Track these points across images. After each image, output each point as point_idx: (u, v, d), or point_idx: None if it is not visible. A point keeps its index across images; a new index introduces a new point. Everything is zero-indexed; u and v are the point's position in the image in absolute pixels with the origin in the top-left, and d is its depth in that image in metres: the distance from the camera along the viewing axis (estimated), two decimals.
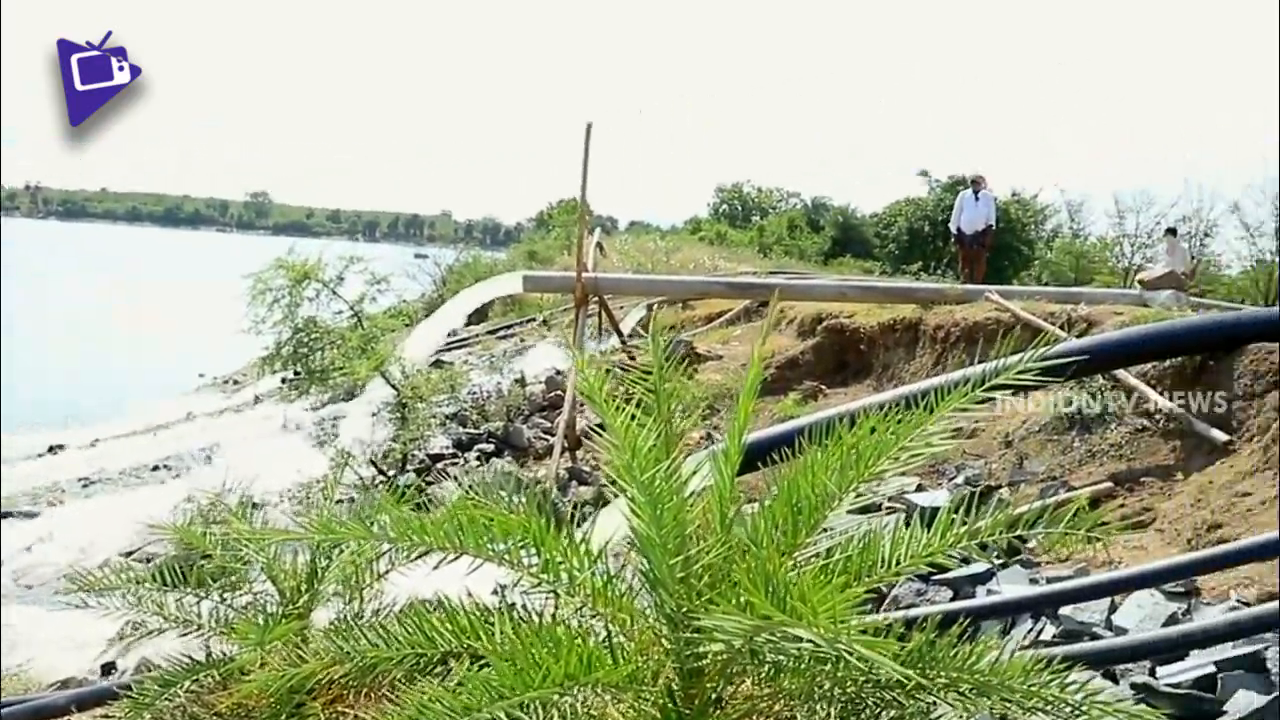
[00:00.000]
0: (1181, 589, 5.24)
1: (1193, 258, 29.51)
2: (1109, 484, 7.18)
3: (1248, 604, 4.89)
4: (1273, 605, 4.39)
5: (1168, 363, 7.75)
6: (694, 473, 2.58)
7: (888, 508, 7.69)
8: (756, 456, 3.51)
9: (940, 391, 2.50)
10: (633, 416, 2.53)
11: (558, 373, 14.53)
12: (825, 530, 2.54)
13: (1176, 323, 7.99)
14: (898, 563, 2.52)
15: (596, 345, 15.18)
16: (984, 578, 5.98)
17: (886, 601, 5.80)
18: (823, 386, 12.25)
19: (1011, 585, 5.72)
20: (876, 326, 12.26)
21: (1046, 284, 33.13)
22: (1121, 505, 6.92)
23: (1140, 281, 13.13)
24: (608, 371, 2.92)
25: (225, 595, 3.46)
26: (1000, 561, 6.16)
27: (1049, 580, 5.67)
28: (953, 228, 16.11)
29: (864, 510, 7.63)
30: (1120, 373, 7.86)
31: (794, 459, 2.61)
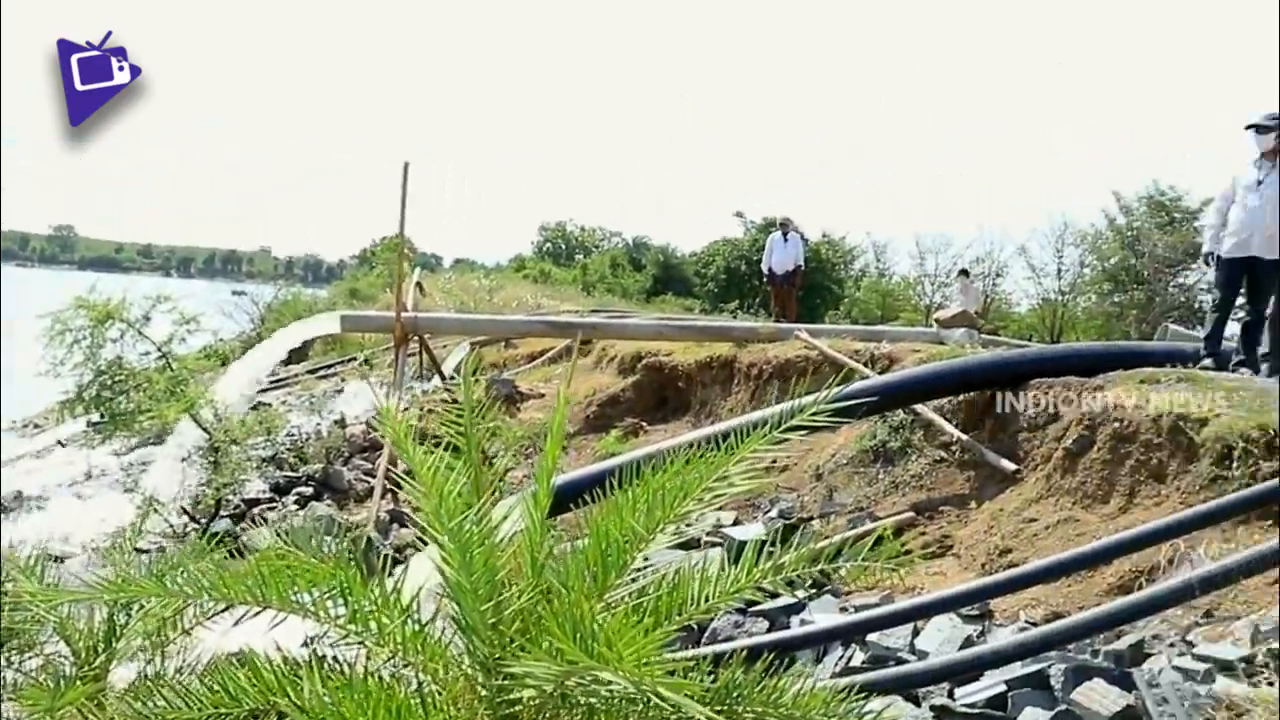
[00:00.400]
0: (977, 612, 5.55)
1: (985, 296, 31.46)
2: (911, 513, 7.54)
3: (1035, 624, 5.22)
4: (1055, 624, 4.70)
5: (962, 397, 8.22)
6: (505, 517, 2.59)
7: (707, 541, 7.85)
8: (567, 499, 3.53)
9: (741, 433, 2.59)
10: (443, 460, 2.52)
11: (379, 413, 14.16)
12: (645, 566, 2.59)
13: (969, 359, 8.51)
14: (707, 600, 2.59)
15: (419, 385, 14.94)
16: (798, 608, 6.18)
17: (706, 634, 5.89)
18: (643, 423, 12.41)
19: (823, 614, 5.92)
20: (694, 364, 12.54)
21: (856, 321, 34.59)
22: (923, 533, 7.27)
23: (936, 320, 13.87)
24: (430, 412, 2.90)
25: (15, 658, 3.24)
26: (812, 591, 6.37)
27: (857, 608, 5.90)
28: (764, 268, 16.67)
29: (684, 546, 7.70)
30: (919, 406, 8.29)
31: (605, 500, 2.66)
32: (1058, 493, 6.75)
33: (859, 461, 8.63)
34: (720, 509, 8.78)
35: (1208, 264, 8.08)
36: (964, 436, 7.87)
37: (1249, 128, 7.54)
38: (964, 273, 20.18)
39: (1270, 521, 5.20)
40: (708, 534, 8.18)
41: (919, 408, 8.28)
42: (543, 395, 14.35)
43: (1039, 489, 6.93)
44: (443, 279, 31.40)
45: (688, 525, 2.57)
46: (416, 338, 12.56)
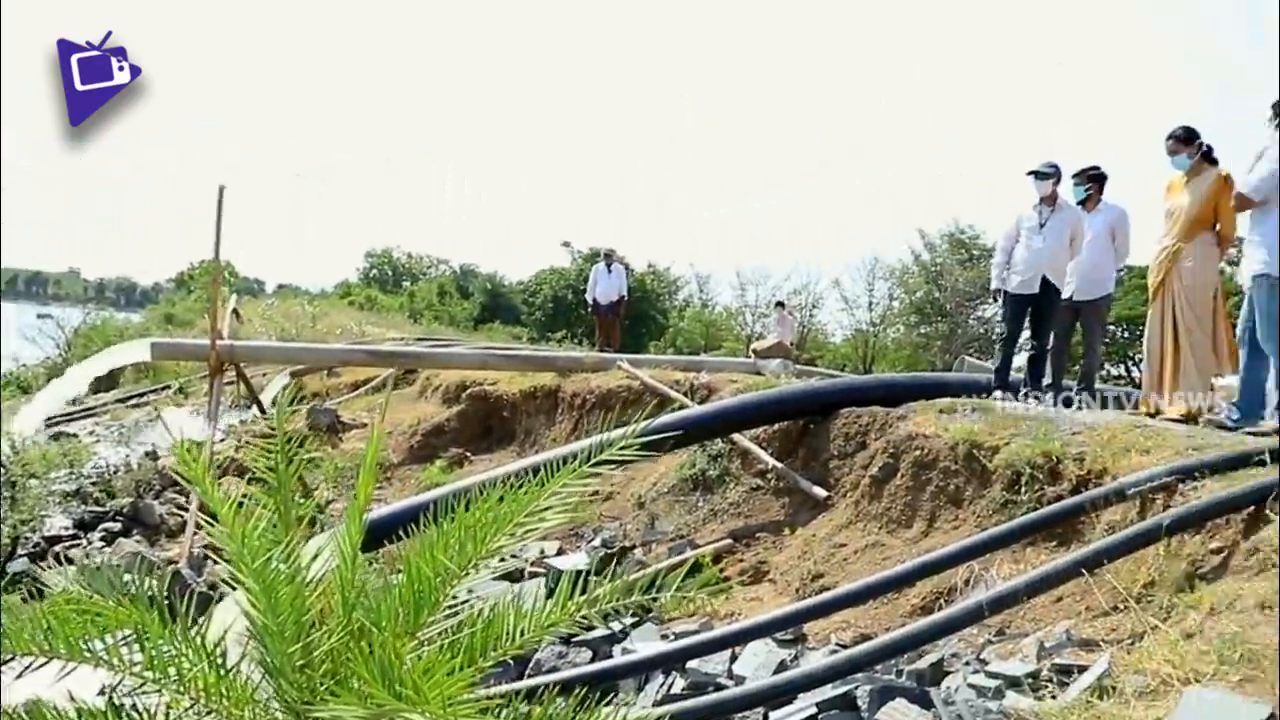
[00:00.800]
0: (791, 636, 5.74)
1: (802, 327, 32.57)
2: (729, 540, 7.74)
3: (845, 646, 5.44)
4: (862, 646, 4.90)
5: (777, 425, 8.50)
6: (316, 555, 2.54)
7: (530, 572, 7.83)
8: (384, 533, 3.48)
9: (552, 466, 2.63)
10: (252, 496, 2.46)
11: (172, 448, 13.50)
12: (463, 601, 2.58)
13: (783, 390, 8.81)
14: (522, 634, 2.60)
15: (237, 416, 14.36)
16: (621, 637, 6.24)
17: (530, 666, 5.88)
18: (468, 453, 12.29)
19: (644, 643, 6.00)
20: (519, 394, 12.52)
21: (681, 350, 35.17)
22: (740, 560, 7.47)
23: (754, 351, 14.26)
24: (246, 444, 2.82)
25: None
26: (635, 619, 6.45)
27: (677, 635, 6.00)
28: (589, 298, 16.82)
29: (508, 576, 7.65)
30: (737, 435, 8.53)
31: (420, 535, 2.64)
32: (865, 518, 7.05)
33: (680, 490, 8.79)
34: (544, 539, 8.81)
35: (994, 299, 8.64)
36: (779, 465, 8.14)
37: (1030, 174, 8.10)
38: (780, 304, 20.86)
39: (1055, 542, 5.59)
40: (531, 564, 8.17)
41: (737, 436, 8.52)
42: (365, 425, 14.03)
43: (848, 514, 7.23)
44: (264, 305, 30.31)
45: (503, 560, 2.59)
46: (233, 366, 12.06)
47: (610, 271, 16.64)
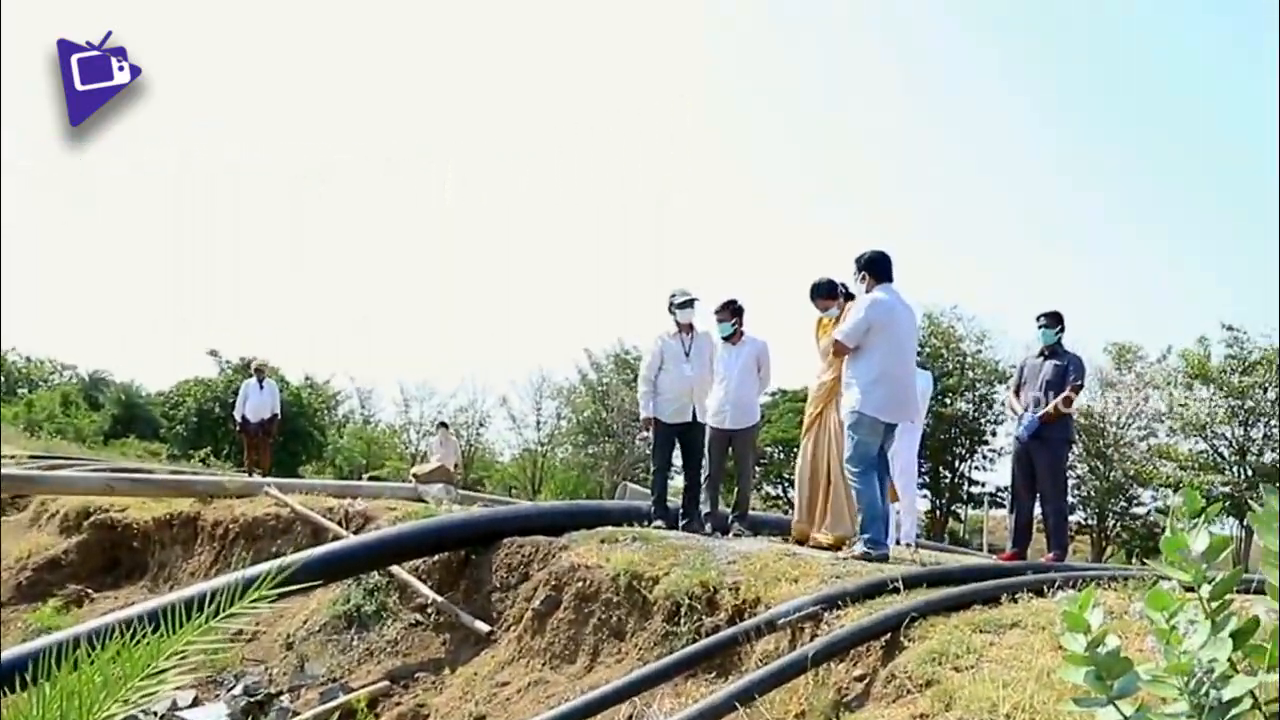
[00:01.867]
0: None
1: (468, 446, 32.30)
2: (386, 682, 7.27)
3: None
4: None
5: (437, 556, 8.17)
6: None
7: None
8: None
9: (185, 608, 2.28)
10: None
11: None
12: None
13: (444, 519, 8.51)
14: None
15: None
16: None
17: None
18: (89, 590, 10.94)
19: None
20: (152, 521, 11.35)
21: (341, 469, 33.76)
22: (398, 704, 7.03)
23: (414, 475, 13.84)
24: None
25: None
26: None
27: None
28: (237, 415, 15.72)
29: None
30: (395, 567, 8.11)
31: (24, 690, 2.19)
32: (529, 654, 6.85)
33: (332, 627, 8.22)
34: (177, 688, 7.89)
35: (646, 429, 8.65)
36: (439, 598, 7.80)
37: (674, 304, 8.31)
38: (444, 425, 20.54)
39: (714, 673, 5.64)
40: (160, 718, 7.35)
41: (395, 569, 8.10)
42: None
43: (511, 650, 7.00)
44: None
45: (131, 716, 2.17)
46: None
47: (262, 388, 15.69)
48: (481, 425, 37.16)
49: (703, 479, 8.19)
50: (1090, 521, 31.55)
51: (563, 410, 36.70)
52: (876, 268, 6.90)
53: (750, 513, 8.52)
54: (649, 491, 9.68)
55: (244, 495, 11.08)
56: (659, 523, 8.12)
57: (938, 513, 34.09)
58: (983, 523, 34.38)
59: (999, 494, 32.65)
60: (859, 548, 6.63)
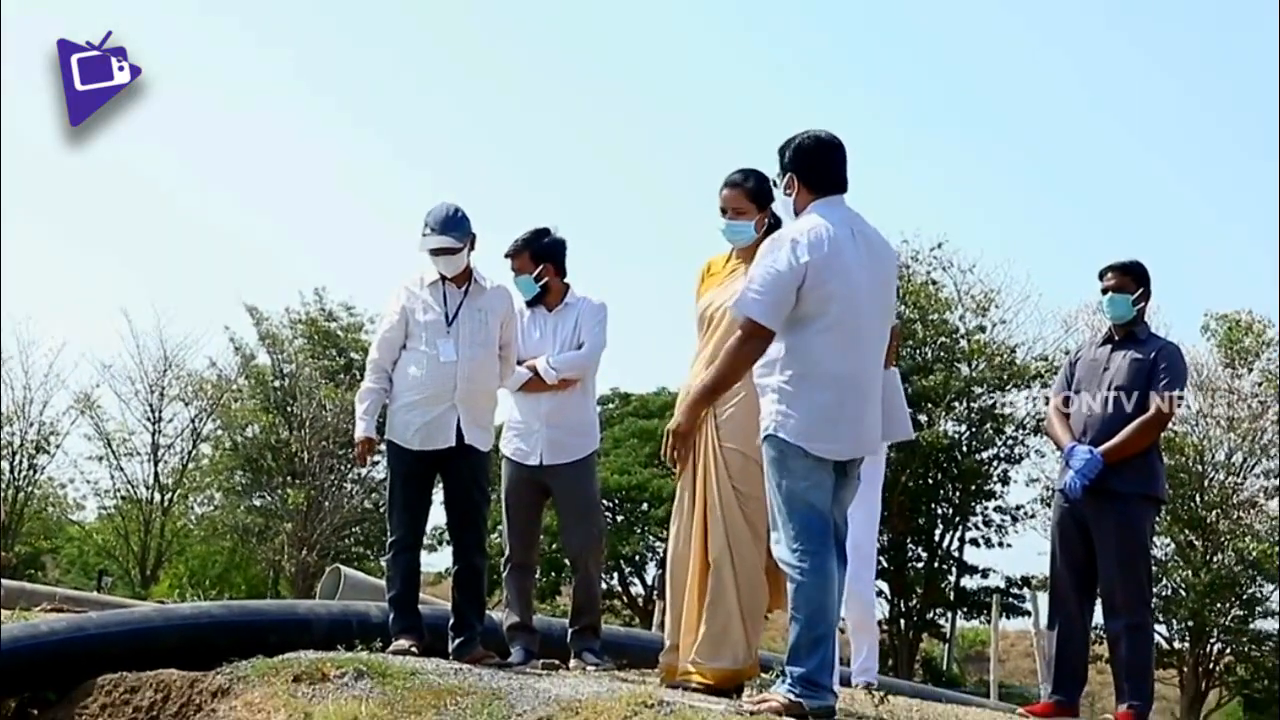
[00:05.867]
0: None
1: (8, 488, 26.37)
2: None
3: None
4: None
5: None
6: None
7: None
8: None
9: None
10: None
11: None
12: None
13: None
14: None
15: None
16: None
17: None
18: None
19: None
20: None
21: None
22: None
23: None
24: None
25: None
26: None
27: None
28: None
29: None
30: None
31: None
32: None
33: None
34: None
35: (362, 459, 5.59)
36: None
37: (427, 231, 4.88)
38: None
39: None
40: None
41: None
42: None
43: None
44: None
45: None
46: None
47: None
48: (41, 450, 20.45)
49: (501, 559, 4.63)
50: (1178, 643, 18.18)
51: (201, 422, 20.75)
52: (813, 164, 3.57)
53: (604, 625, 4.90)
54: (383, 583, 5.58)
55: None
56: (404, 641, 4.44)
57: (903, 624, 20.04)
58: (987, 643, 17.75)
59: (1017, 591, 19.47)
60: (781, 691, 3.46)
